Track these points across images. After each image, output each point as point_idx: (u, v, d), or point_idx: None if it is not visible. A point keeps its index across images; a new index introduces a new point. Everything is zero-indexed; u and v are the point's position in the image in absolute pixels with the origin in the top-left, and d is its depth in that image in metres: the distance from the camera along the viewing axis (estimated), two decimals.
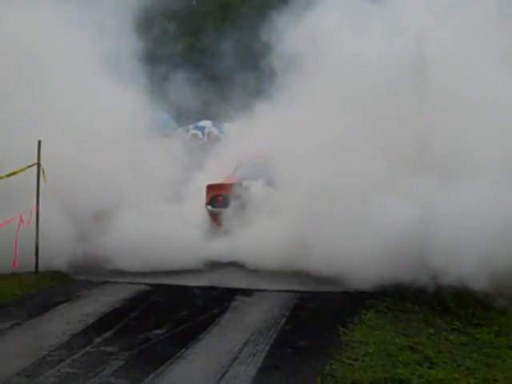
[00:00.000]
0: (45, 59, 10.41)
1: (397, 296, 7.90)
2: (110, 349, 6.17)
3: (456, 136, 8.36)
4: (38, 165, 9.22)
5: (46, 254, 9.13)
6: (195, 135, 18.16)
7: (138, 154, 11.01)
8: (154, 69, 13.47)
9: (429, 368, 5.84)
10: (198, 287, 8.78)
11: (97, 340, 6.43)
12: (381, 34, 9.23)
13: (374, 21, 9.39)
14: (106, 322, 7.07)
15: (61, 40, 10.56)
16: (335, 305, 7.95)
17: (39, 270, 9.14)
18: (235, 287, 8.64)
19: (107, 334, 6.63)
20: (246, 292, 8.43)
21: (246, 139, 12.03)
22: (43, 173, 9.21)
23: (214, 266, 9.90)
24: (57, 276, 9.18)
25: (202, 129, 18.66)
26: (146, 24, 14.44)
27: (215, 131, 18.29)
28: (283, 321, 7.17)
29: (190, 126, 18.84)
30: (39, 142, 9.20)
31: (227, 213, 10.58)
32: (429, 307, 7.63)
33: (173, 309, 7.74)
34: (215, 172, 11.90)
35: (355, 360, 5.95)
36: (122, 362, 5.82)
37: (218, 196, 11.20)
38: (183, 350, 6.17)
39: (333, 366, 5.75)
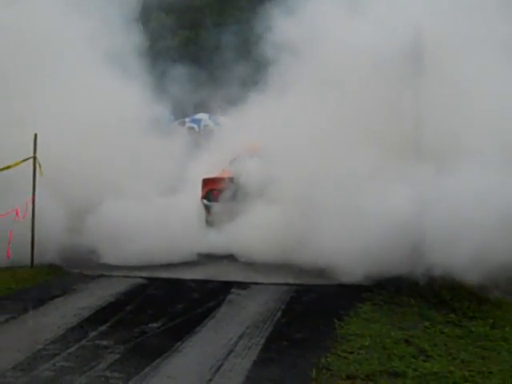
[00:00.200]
0: (41, 53, 10.40)
1: (392, 289, 7.92)
2: (105, 342, 6.16)
3: (451, 125, 8.31)
4: (34, 158, 9.21)
5: (41, 248, 9.13)
6: (192, 128, 18.13)
7: (134, 147, 11.00)
8: (150, 62, 13.42)
9: (424, 361, 5.87)
10: (193, 280, 8.76)
11: (92, 334, 6.42)
12: (375, 21, 9.10)
13: (369, 7, 9.24)
14: (102, 316, 7.06)
15: (58, 33, 10.56)
16: (331, 298, 7.95)
17: (34, 263, 9.13)
18: (231, 280, 8.64)
19: (103, 328, 6.62)
20: (242, 285, 8.43)
21: (240, 132, 11.99)
22: (39, 166, 9.20)
23: (209, 259, 9.90)
24: (52, 270, 9.16)
25: (198, 122, 18.64)
26: (142, 18, 14.38)
27: (212, 124, 18.26)
28: (279, 314, 7.18)
29: (187, 119, 18.81)
30: (35, 136, 9.18)
31: (222, 206, 10.58)
32: (424, 300, 7.66)
33: (168, 302, 7.73)
34: (211, 165, 11.86)
35: (351, 353, 5.97)
36: (117, 356, 5.81)
37: (213, 190, 11.19)
38: (179, 343, 6.17)
39: (328, 359, 5.76)
